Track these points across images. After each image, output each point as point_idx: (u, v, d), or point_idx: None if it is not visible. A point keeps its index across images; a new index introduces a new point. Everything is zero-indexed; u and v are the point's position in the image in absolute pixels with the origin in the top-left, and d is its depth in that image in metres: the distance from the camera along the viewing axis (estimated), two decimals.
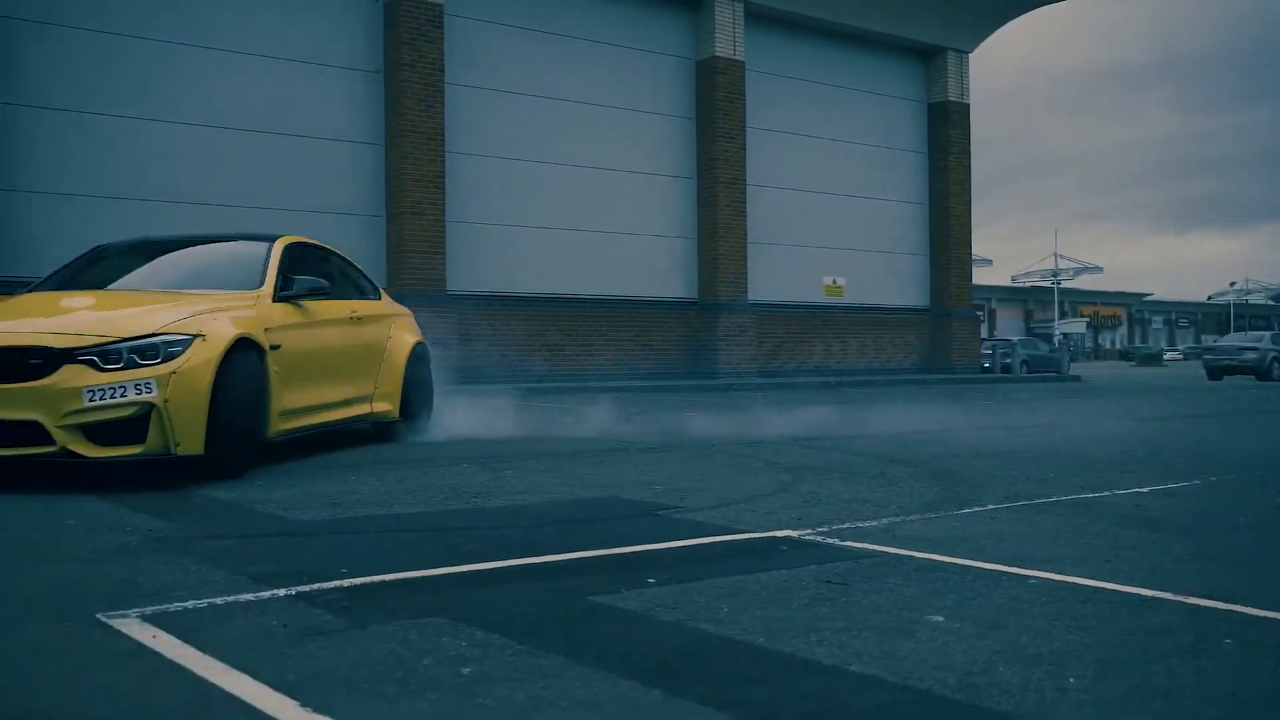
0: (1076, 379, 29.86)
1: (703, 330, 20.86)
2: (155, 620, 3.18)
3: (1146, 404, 16.77)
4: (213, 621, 3.18)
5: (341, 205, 17.02)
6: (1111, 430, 10.70)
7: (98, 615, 3.24)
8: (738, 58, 20.79)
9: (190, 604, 3.37)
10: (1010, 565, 3.99)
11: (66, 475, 6.03)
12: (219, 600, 3.42)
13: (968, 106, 24.88)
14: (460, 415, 10.41)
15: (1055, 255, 73.53)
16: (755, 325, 21.37)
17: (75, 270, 7.52)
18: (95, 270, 7.49)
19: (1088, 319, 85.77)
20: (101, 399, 5.54)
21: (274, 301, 6.94)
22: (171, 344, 5.76)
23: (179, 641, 2.96)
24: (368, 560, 4.04)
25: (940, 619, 3.23)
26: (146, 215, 14.83)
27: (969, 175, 25.06)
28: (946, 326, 25.08)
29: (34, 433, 5.51)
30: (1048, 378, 29.75)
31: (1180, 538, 4.62)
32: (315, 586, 3.60)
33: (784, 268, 22.42)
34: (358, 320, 8.17)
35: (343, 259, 8.58)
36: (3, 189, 14.16)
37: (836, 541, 4.48)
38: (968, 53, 24.79)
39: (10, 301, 6.68)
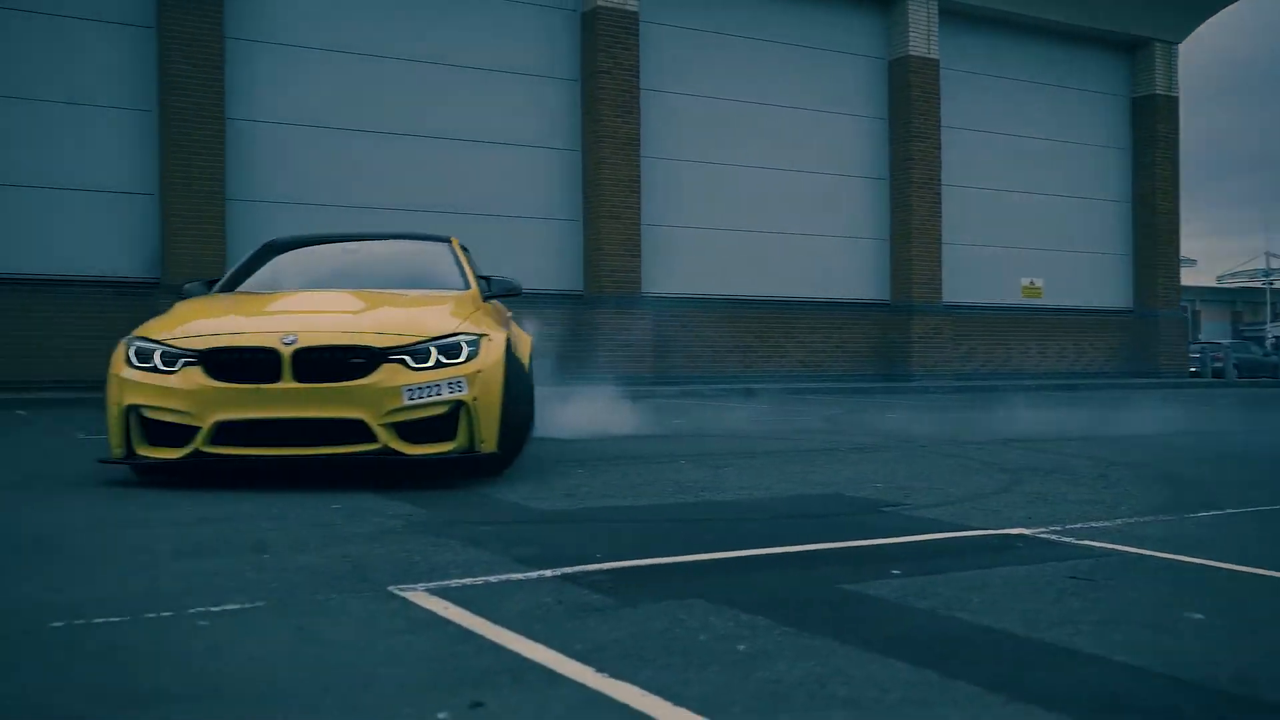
0: None
1: (895, 332, 20.65)
2: (441, 594, 3.46)
3: None
4: (493, 596, 3.44)
5: (541, 210, 17.56)
6: None
7: (389, 588, 3.54)
8: (932, 56, 20.51)
9: (468, 581, 3.65)
10: (1264, 569, 3.93)
11: (307, 470, 6.45)
12: (492, 578, 3.69)
13: (1176, 100, 23.88)
14: (668, 415, 10.65)
15: (1265, 255, 69.60)
16: (950, 327, 21.03)
17: (261, 266, 7.45)
18: (288, 268, 7.41)
19: None
20: (419, 397, 5.69)
21: (483, 301, 7.08)
22: (470, 343, 5.94)
23: (469, 613, 3.23)
24: (618, 546, 4.27)
25: (1200, 616, 3.23)
26: (359, 220, 15.63)
27: (1177, 171, 24.03)
28: (1152, 329, 24.13)
29: (357, 431, 5.66)
30: (1263, 383, 28.24)
31: None
32: (577, 569, 3.83)
33: (979, 269, 21.98)
34: (510, 320, 8.35)
35: None
36: (236, 199, 15.17)
37: (1072, 540, 4.48)
38: (1176, 43, 23.80)
39: (245, 299, 6.69)
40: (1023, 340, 22.59)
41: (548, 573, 3.77)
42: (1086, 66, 23.32)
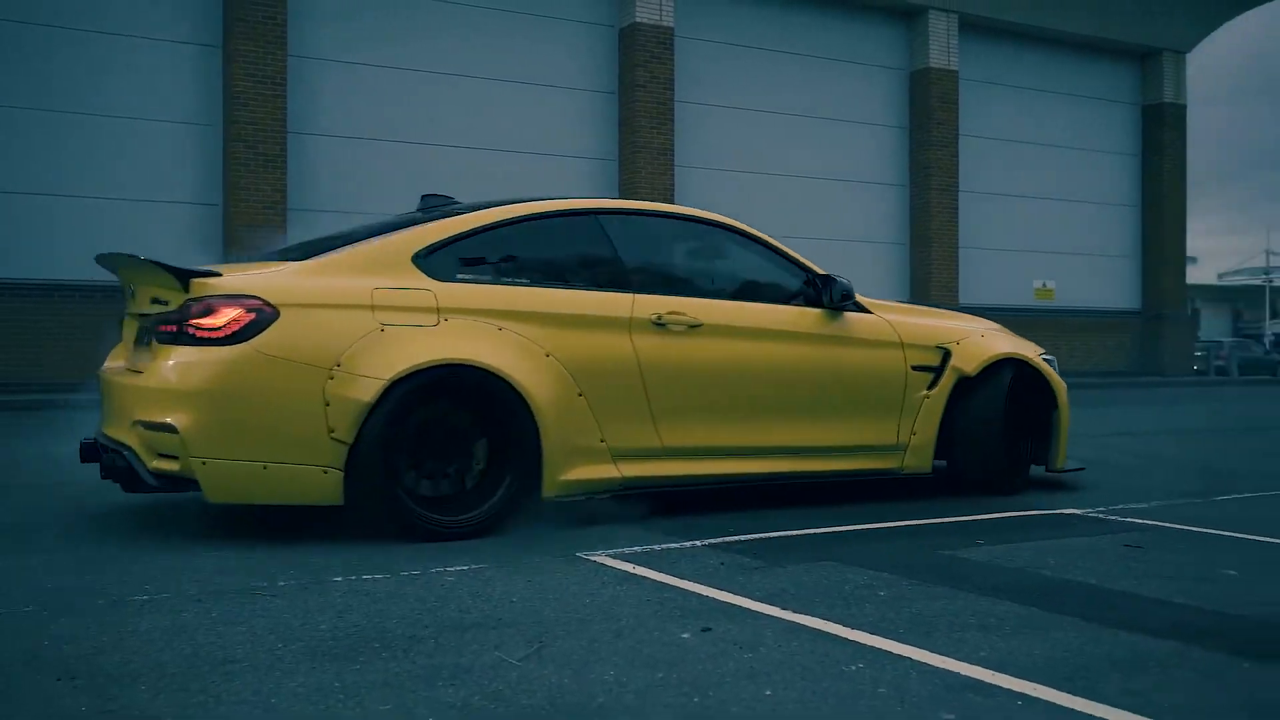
0: None
1: None
2: (621, 558, 4.30)
3: None
4: (665, 560, 4.27)
5: None
6: None
7: (577, 554, 4.38)
8: (951, 68, 21.33)
9: (638, 549, 4.48)
10: None
11: None
12: (656, 547, 4.52)
13: (1184, 108, 24.69)
14: None
15: (1266, 252, 70.41)
16: None
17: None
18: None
19: None
20: None
21: None
22: None
23: (654, 571, 4.06)
24: (740, 522, 5.08)
25: (1234, 573, 4.08)
26: None
27: (1184, 177, 24.86)
28: (1158, 329, 24.96)
29: None
30: (1263, 381, 29.08)
31: None
32: (719, 540, 4.66)
33: (994, 272, 22.80)
34: None
35: None
36: (298, 209, 16.00)
37: (1119, 518, 5.31)
38: (1185, 53, 24.62)
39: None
40: (1035, 340, 23.39)
41: (698, 543, 4.60)
42: (1099, 75, 24.14)
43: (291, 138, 15.93)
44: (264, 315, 4.45)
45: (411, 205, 5.97)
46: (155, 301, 4.79)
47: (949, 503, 5.80)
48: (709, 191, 19.31)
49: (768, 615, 3.44)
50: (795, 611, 3.47)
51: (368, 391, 4.47)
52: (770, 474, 5.50)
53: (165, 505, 5.53)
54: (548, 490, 4.87)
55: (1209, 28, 24.72)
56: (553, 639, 3.16)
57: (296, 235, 15.91)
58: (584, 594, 3.72)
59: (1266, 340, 54.31)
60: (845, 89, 20.76)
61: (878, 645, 3.10)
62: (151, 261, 4.59)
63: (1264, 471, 7.33)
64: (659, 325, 5.20)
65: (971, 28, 21.94)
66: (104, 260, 5.02)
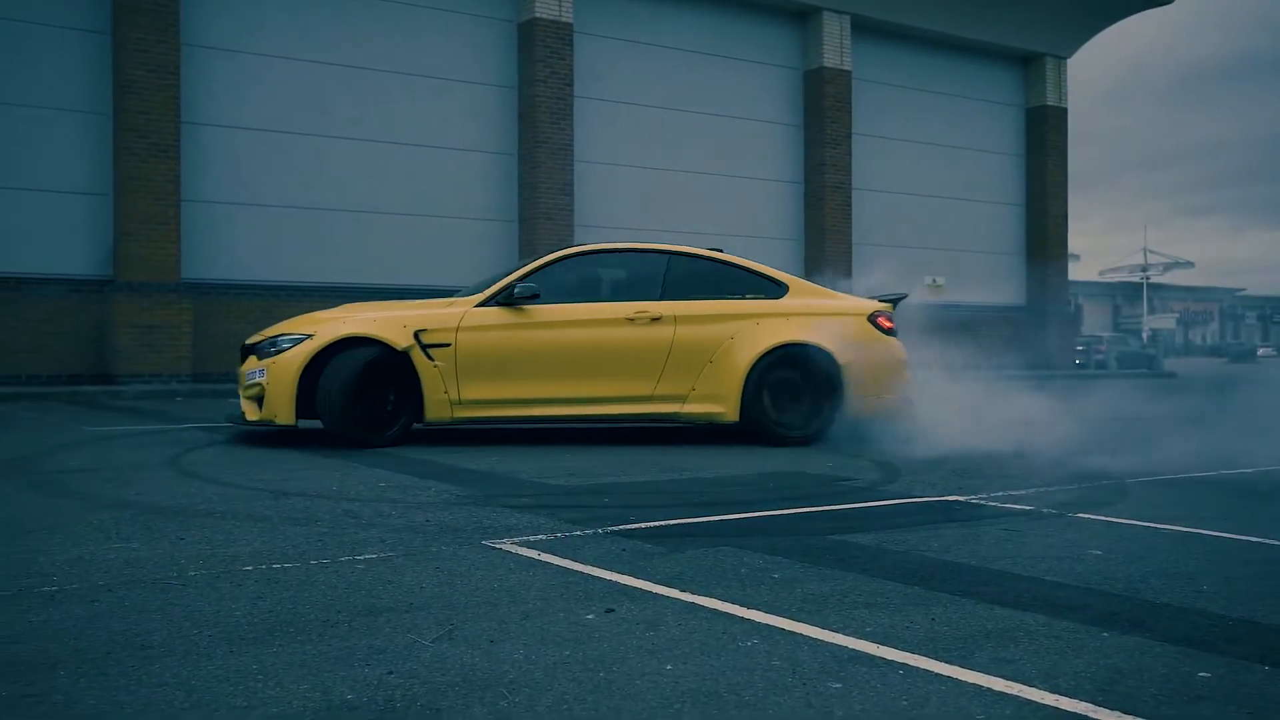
0: (1170, 375, 30.36)
1: None
2: (526, 545, 4.44)
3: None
4: (568, 547, 4.42)
5: (480, 211, 18.38)
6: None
7: (482, 542, 4.51)
8: (844, 68, 21.81)
9: (542, 537, 4.62)
10: (1146, 521, 5.10)
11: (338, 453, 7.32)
12: (559, 535, 4.67)
13: (1065, 111, 25.58)
14: None
15: (1144, 250, 73.03)
16: None
17: None
18: None
19: (1178, 315, 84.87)
20: None
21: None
22: None
23: (558, 557, 4.21)
24: (641, 511, 5.26)
25: (1099, 552, 4.38)
26: (317, 223, 16.34)
27: (1066, 178, 25.76)
28: (1042, 324, 25.85)
29: None
30: (1140, 374, 30.27)
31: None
32: (620, 527, 4.84)
33: (886, 268, 23.36)
34: None
35: None
36: (192, 200, 15.72)
37: (998, 505, 5.61)
38: (1065, 58, 25.49)
39: None
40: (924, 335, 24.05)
41: (600, 530, 4.77)
42: (985, 78, 24.89)
43: (185, 128, 15.65)
44: None
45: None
46: None
47: (845, 492, 6.05)
48: (608, 187, 19.48)
49: (668, 597, 3.61)
50: (694, 593, 3.65)
51: None
52: None
53: (65, 503, 5.51)
54: None
55: (1087, 35, 25.64)
56: (463, 621, 3.29)
57: (189, 227, 15.67)
58: (492, 579, 3.85)
59: (1144, 335, 56.38)
60: (741, 87, 21.10)
61: (772, 623, 3.29)
62: None
63: (1140, 460, 7.74)
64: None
65: (864, 29, 22.44)
66: None
